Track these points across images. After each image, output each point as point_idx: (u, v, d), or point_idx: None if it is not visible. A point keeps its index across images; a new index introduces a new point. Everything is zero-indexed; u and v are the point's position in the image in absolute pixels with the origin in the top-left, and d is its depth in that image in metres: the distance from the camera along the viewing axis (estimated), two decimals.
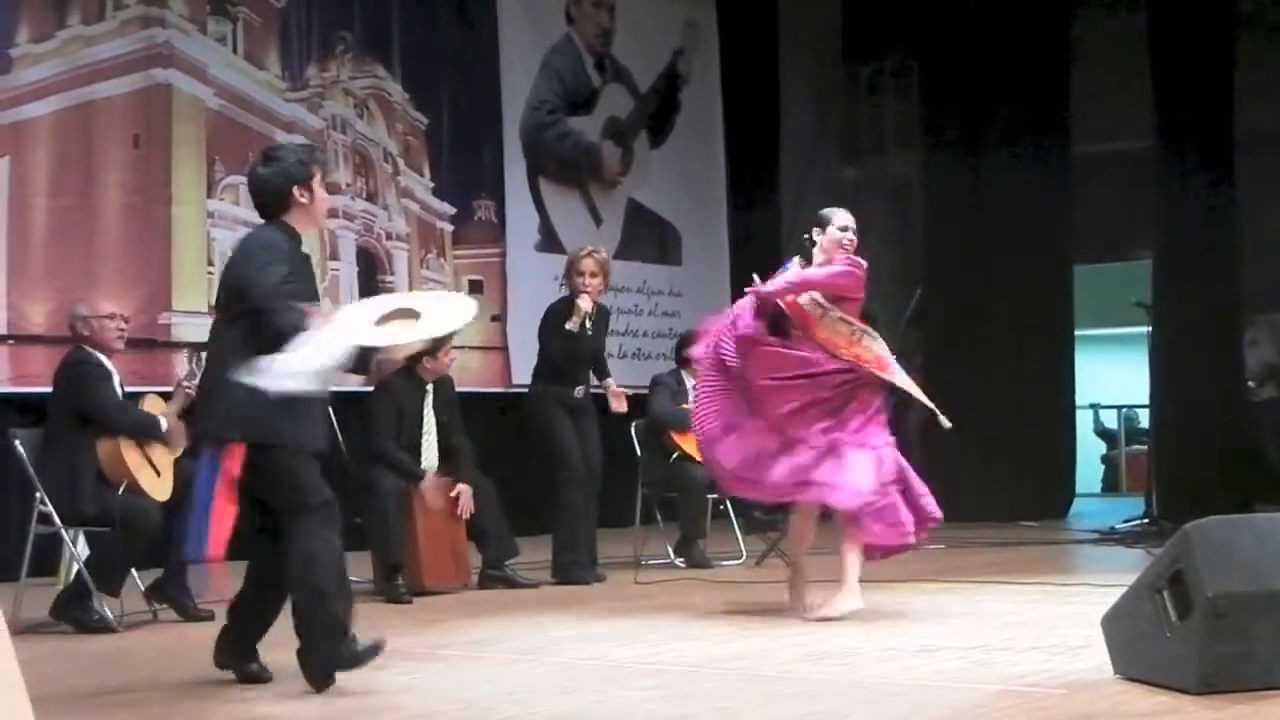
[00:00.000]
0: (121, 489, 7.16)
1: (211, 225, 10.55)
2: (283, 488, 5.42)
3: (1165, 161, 12.77)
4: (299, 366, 5.13)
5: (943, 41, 13.85)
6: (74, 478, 7.11)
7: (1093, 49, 13.92)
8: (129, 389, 7.60)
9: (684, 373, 10.03)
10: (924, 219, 14.35)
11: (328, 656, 5.33)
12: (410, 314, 5.45)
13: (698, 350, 7.49)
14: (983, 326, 13.29)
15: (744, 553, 9.90)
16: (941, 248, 13.93)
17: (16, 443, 7.23)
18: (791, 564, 7.57)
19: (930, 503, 7.12)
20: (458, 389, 9.11)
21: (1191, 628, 4.76)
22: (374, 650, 5.40)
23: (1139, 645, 5.04)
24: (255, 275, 5.36)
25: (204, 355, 5.79)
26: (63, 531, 7.21)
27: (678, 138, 14.22)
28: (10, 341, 9.45)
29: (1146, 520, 11.70)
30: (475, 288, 12.39)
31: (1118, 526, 11.71)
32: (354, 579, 8.51)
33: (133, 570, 7.36)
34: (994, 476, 13.01)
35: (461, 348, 10.73)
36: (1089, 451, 17.27)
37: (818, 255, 7.41)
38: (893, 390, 7.25)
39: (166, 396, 7.56)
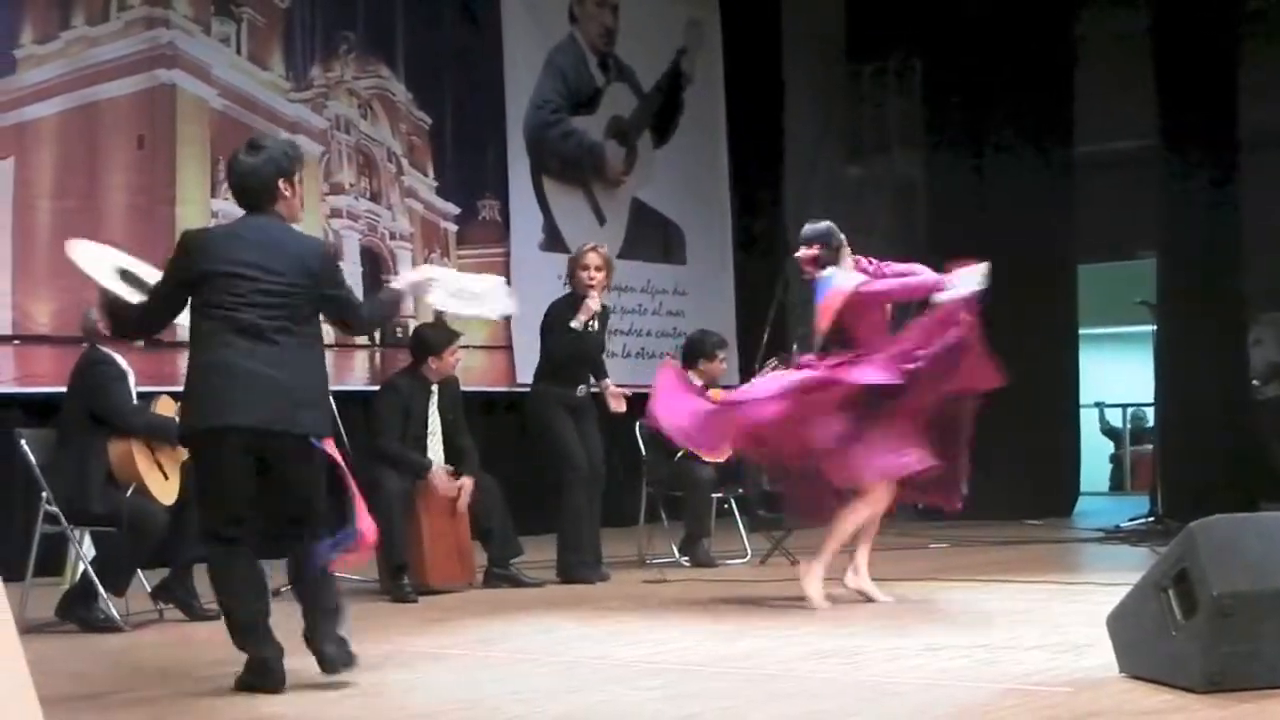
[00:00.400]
0: (130, 491, 7.17)
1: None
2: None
3: (1169, 161, 12.76)
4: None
5: (946, 41, 13.84)
6: (84, 477, 7.11)
7: (1096, 48, 13.91)
8: (138, 389, 7.60)
9: (691, 373, 10.03)
10: (927, 218, 14.34)
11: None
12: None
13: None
14: (987, 326, 13.24)
15: (749, 551, 9.90)
16: (945, 247, 13.79)
17: (22, 442, 7.24)
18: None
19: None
20: (463, 388, 9.11)
21: (1197, 626, 4.76)
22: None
23: (1144, 644, 5.04)
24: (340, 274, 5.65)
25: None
26: (69, 531, 7.22)
27: (681, 137, 14.22)
28: (16, 341, 9.46)
29: (1151, 519, 11.70)
30: None
31: (1123, 525, 11.71)
32: (360, 578, 8.57)
33: (139, 570, 7.37)
34: (999, 475, 12.96)
35: (466, 347, 10.72)
36: (1094, 450, 17.26)
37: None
38: None
39: (177, 396, 7.54)
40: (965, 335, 7.39)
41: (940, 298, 7.39)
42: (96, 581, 7.07)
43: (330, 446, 5.53)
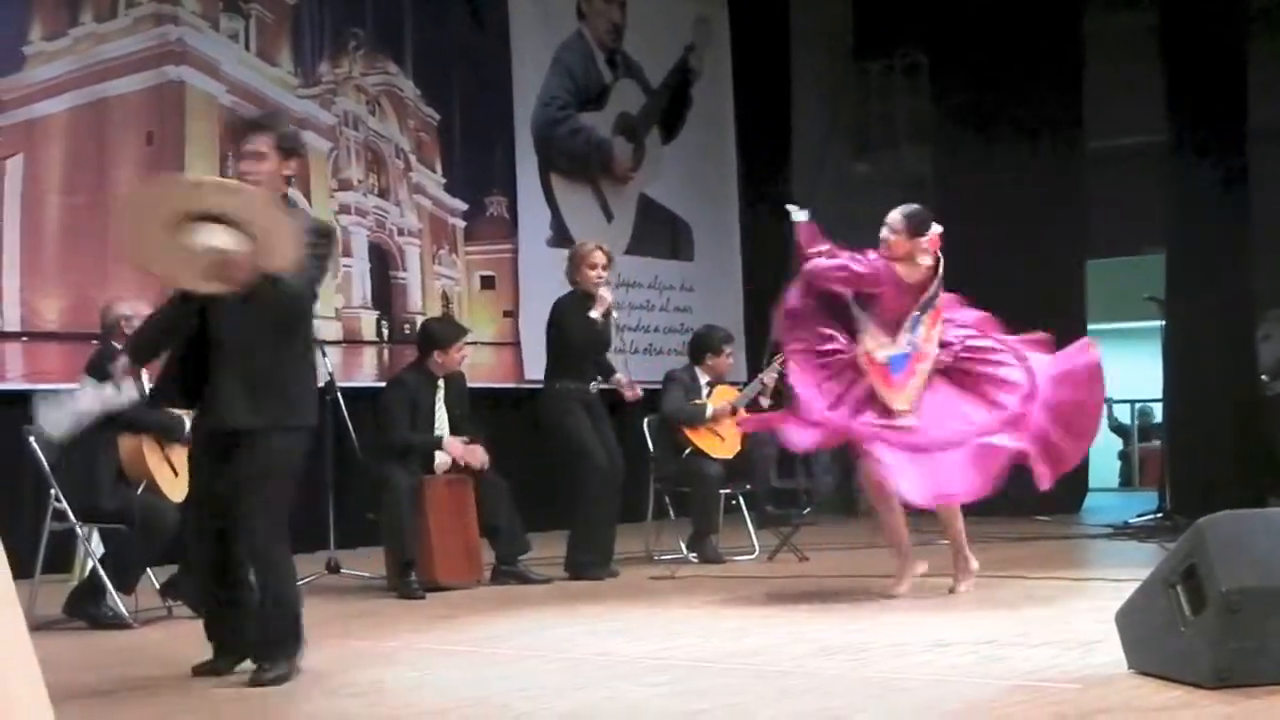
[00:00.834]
0: (140, 488, 7.18)
1: None
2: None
3: (1178, 156, 12.74)
4: None
5: (954, 37, 13.83)
6: (94, 474, 7.12)
7: (1105, 44, 13.88)
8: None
9: (698, 369, 10.04)
10: (935, 214, 14.30)
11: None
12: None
13: None
14: (995, 320, 13.24)
15: (756, 548, 9.90)
16: (953, 244, 13.86)
17: (31, 439, 7.25)
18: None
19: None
20: (471, 384, 9.12)
21: (1205, 622, 4.76)
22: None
23: (1153, 640, 5.03)
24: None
25: None
26: (78, 528, 7.23)
27: (689, 133, 14.23)
28: (24, 338, 9.47)
29: (1160, 515, 11.69)
30: (487, 283, 12.42)
31: (1131, 521, 11.70)
32: (367, 575, 8.59)
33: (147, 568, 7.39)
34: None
35: (474, 343, 10.75)
36: (1102, 447, 17.23)
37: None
38: None
39: None
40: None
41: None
42: (105, 579, 7.07)
43: None
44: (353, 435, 8.98)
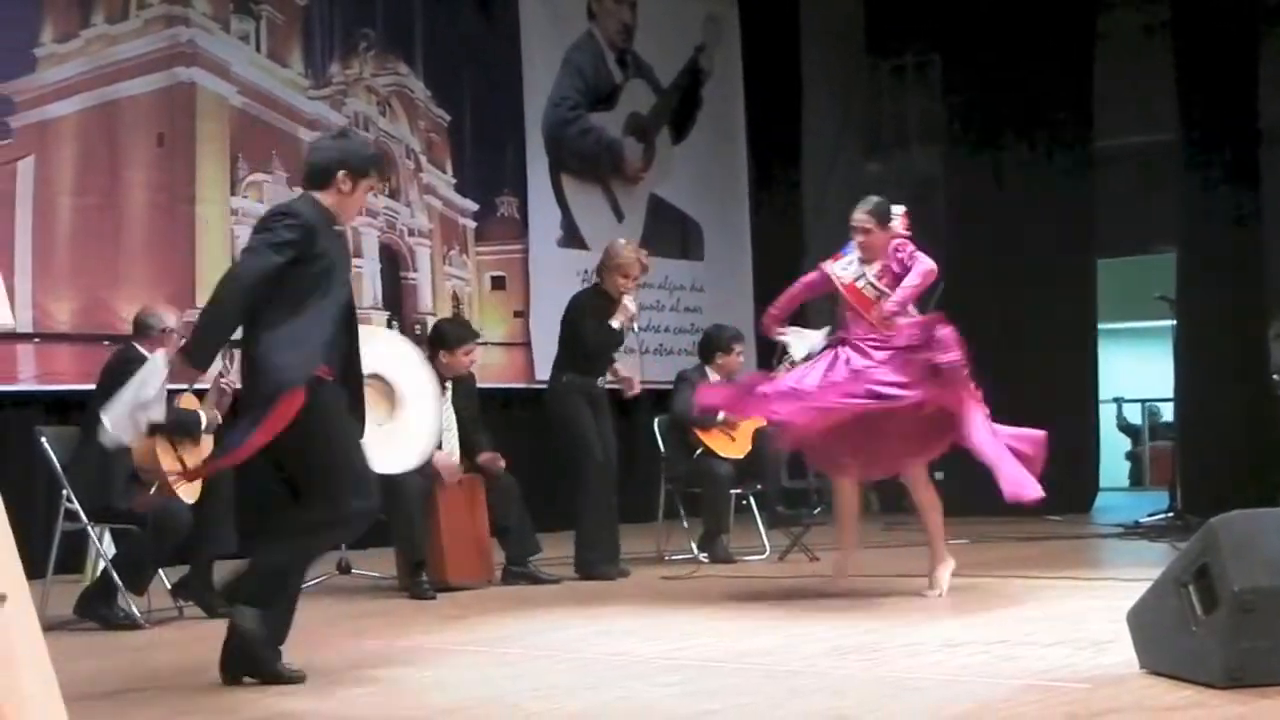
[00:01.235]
0: (153, 489, 7.19)
1: (235, 223, 10.59)
2: None
3: (1189, 155, 12.73)
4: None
5: (965, 36, 13.82)
6: (107, 473, 7.13)
7: (1116, 42, 13.87)
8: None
9: (708, 368, 10.04)
10: (946, 213, 14.31)
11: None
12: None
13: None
14: (1005, 321, 13.24)
15: (767, 548, 9.90)
16: (964, 242, 13.89)
17: (43, 439, 7.26)
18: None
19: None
20: (481, 384, 9.12)
21: (1217, 622, 4.75)
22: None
23: (1164, 640, 5.03)
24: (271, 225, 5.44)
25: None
26: (89, 529, 7.23)
27: (699, 133, 14.23)
28: (36, 340, 9.48)
29: (1171, 514, 11.68)
30: (498, 284, 12.42)
31: (1142, 521, 11.69)
32: (378, 575, 8.59)
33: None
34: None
35: (484, 344, 10.76)
36: (1112, 446, 17.23)
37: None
38: None
39: (200, 394, 7.58)
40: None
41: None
42: (117, 579, 7.08)
43: None
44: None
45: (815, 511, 10.66)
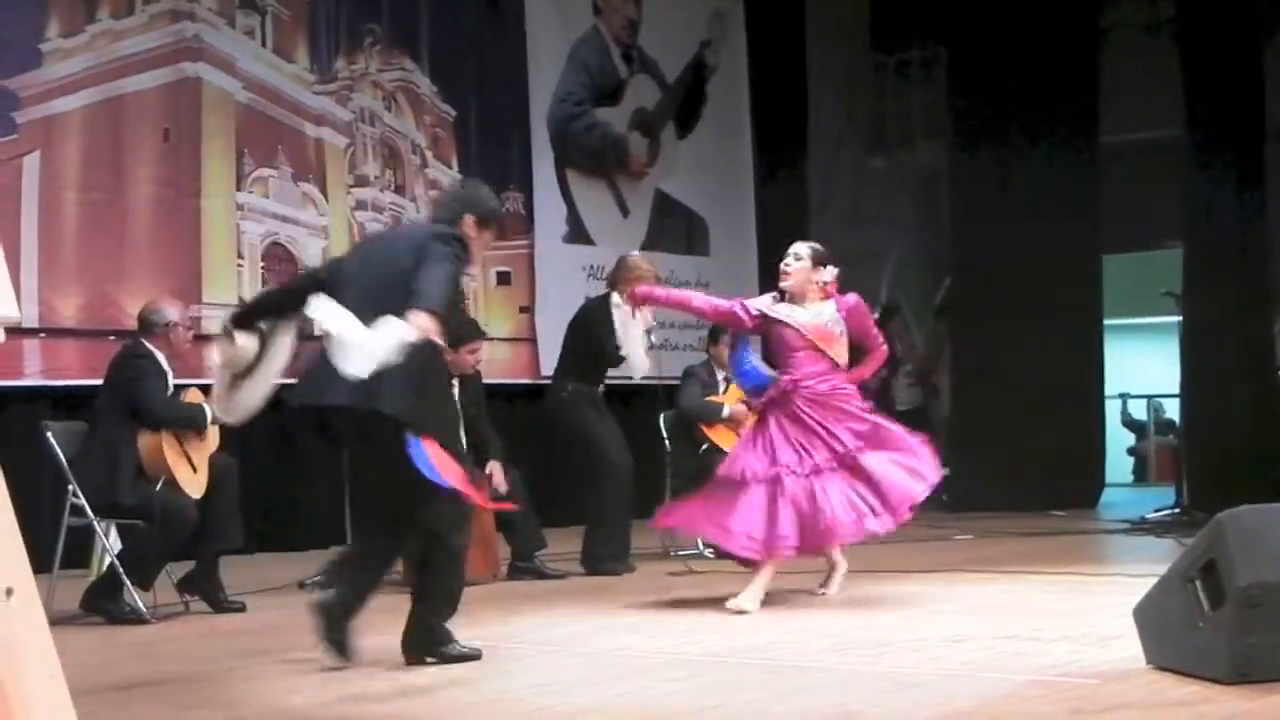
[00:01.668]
0: (159, 484, 7.19)
1: (241, 218, 10.60)
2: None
3: (1194, 151, 12.71)
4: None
5: (970, 32, 13.81)
6: (114, 469, 7.13)
7: (1121, 38, 13.87)
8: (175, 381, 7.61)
9: (715, 364, 10.04)
10: (951, 209, 14.33)
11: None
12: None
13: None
14: (1011, 317, 13.25)
15: None
16: (969, 238, 13.90)
17: (49, 435, 7.26)
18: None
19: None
20: (486, 380, 9.12)
21: (1224, 617, 4.74)
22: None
23: (1171, 635, 5.02)
24: (436, 240, 5.56)
25: None
26: (95, 523, 7.24)
27: (705, 128, 14.22)
28: (42, 335, 9.49)
29: (1177, 510, 11.68)
30: (503, 279, 12.42)
31: (1148, 516, 11.68)
32: None
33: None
34: (1024, 466, 12.99)
35: (490, 339, 10.75)
36: (1115, 442, 17.22)
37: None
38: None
39: (205, 389, 7.58)
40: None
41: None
42: (122, 574, 7.09)
43: None
44: None
45: None
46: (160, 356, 7.34)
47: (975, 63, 13.79)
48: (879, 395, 14.07)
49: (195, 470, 7.30)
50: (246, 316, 6.00)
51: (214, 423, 7.40)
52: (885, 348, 7.72)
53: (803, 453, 7.16)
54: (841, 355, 7.37)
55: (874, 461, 7.15)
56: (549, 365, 11.02)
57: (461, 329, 8.97)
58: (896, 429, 7.38)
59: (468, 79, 12.25)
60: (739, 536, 7.14)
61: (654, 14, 13.79)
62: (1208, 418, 12.38)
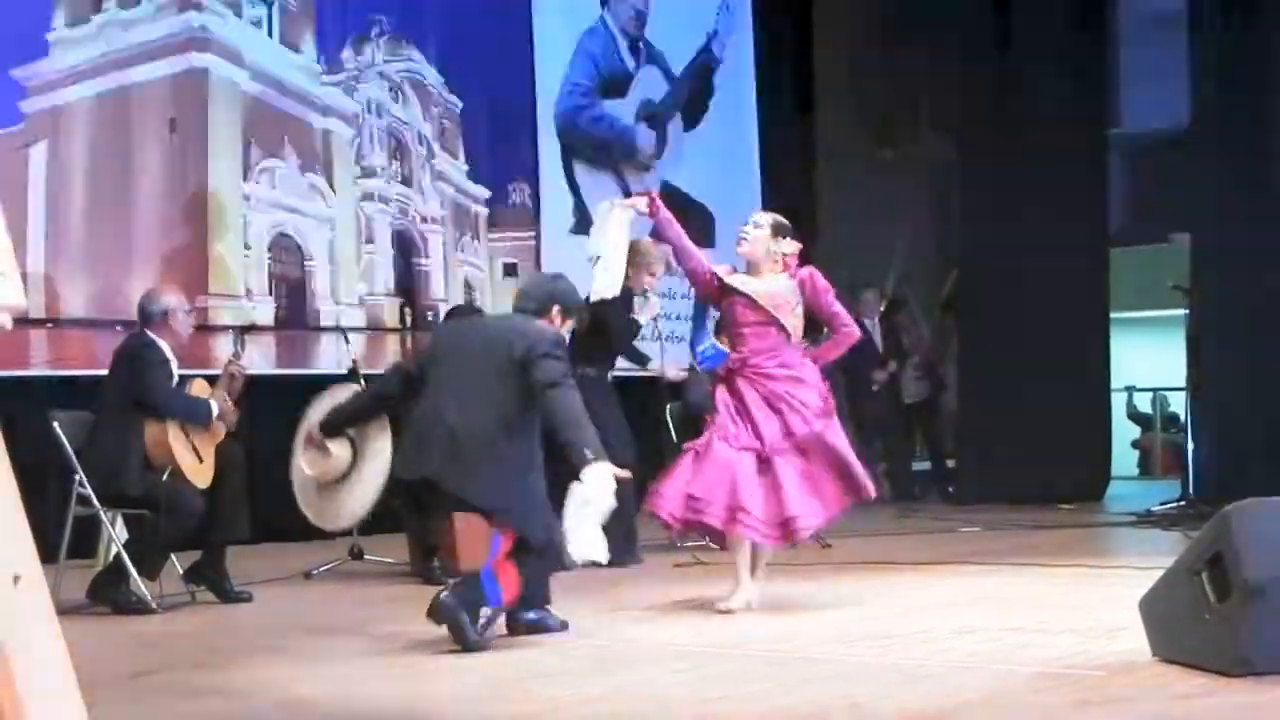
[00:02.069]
0: (165, 474, 7.20)
1: (247, 209, 10.60)
2: None
3: (1203, 142, 12.69)
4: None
5: (980, 21, 13.79)
6: (120, 459, 7.13)
7: (1132, 30, 13.84)
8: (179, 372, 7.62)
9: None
10: (960, 200, 14.31)
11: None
12: None
13: None
14: (1018, 309, 13.24)
15: None
16: (977, 229, 13.89)
17: (56, 424, 7.27)
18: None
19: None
20: None
21: (1230, 610, 4.74)
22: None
23: (1177, 627, 5.02)
24: (553, 347, 5.97)
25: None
26: (101, 513, 7.24)
27: (712, 121, 14.20)
28: (49, 325, 9.50)
29: (1183, 503, 11.67)
30: (510, 271, 12.42)
31: (1154, 509, 11.67)
32: (391, 561, 8.59)
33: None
34: (1029, 459, 12.99)
35: None
36: (1120, 435, 17.20)
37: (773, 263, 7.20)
38: None
39: (211, 380, 7.59)
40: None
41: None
42: (129, 564, 7.09)
43: None
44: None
45: None
46: (164, 346, 7.34)
47: (984, 53, 13.76)
48: (888, 388, 14.07)
49: (201, 460, 7.30)
50: (337, 424, 6.28)
51: (219, 418, 7.39)
52: (853, 330, 7.16)
53: (737, 428, 6.91)
54: (795, 326, 7.03)
55: (786, 470, 6.77)
56: None
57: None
58: (836, 442, 6.85)
59: (474, 70, 12.24)
60: (669, 500, 6.92)
61: (661, 6, 13.77)
62: (1214, 411, 12.37)
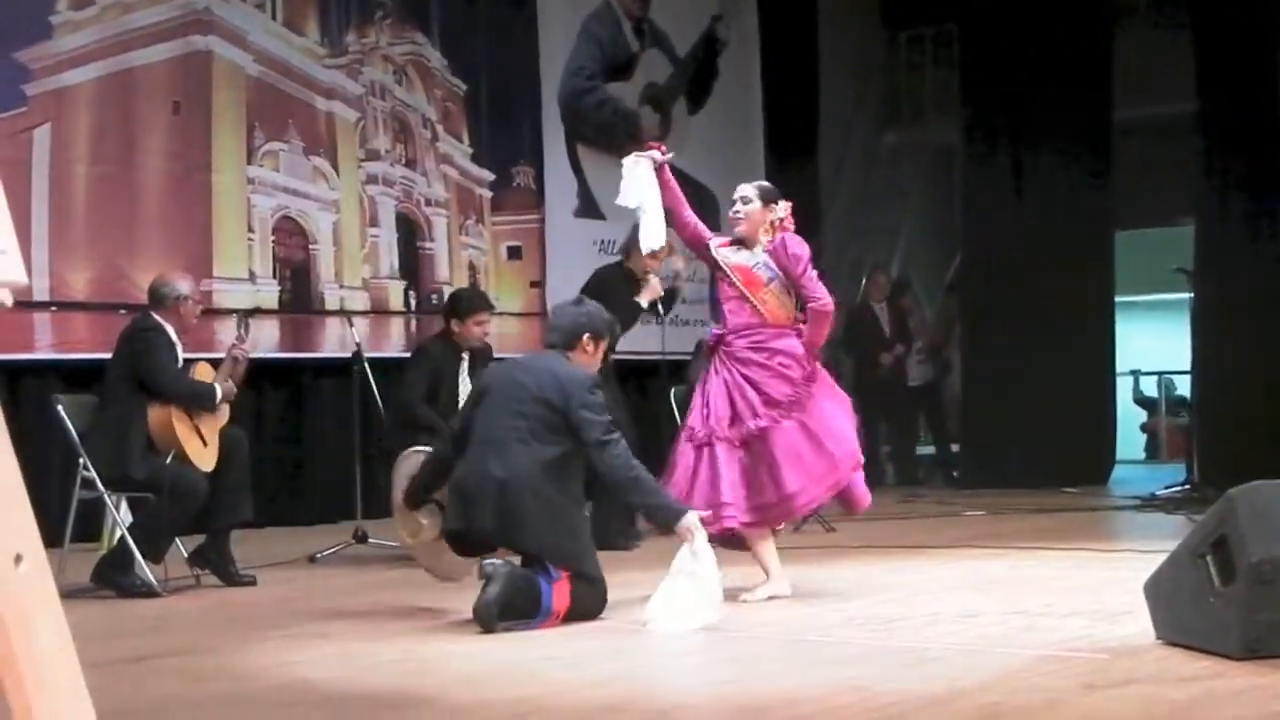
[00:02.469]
0: (169, 458, 7.20)
1: (251, 191, 10.58)
2: None
3: (1208, 126, 12.68)
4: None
5: (983, 7, 13.76)
6: (124, 442, 7.13)
7: (1135, 12, 13.81)
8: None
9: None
10: (964, 185, 14.29)
11: None
12: None
13: None
14: (1023, 293, 13.24)
15: None
16: (981, 214, 13.88)
17: (60, 408, 7.26)
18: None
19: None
20: (496, 354, 9.11)
21: (1235, 593, 4.73)
22: None
23: (1182, 610, 5.01)
24: (589, 393, 6.11)
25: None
26: (106, 497, 7.24)
27: (716, 103, 14.18)
28: (52, 308, 9.48)
29: (1188, 486, 11.67)
30: (514, 254, 12.41)
31: (1159, 493, 11.68)
32: (395, 544, 8.58)
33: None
34: (1035, 443, 13.00)
35: (500, 314, 10.75)
36: (1128, 419, 17.20)
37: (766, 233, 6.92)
38: None
39: (215, 363, 7.58)
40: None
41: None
42: (133, 547, 7.09)
43: None
44: (380, 405, 8.99)
45: None
46: (170, 330, 7.33)
47: (988, 39, 13.75)
48: (893, 372, 14.06)
49: (206, 444, 7.30)
50: (418, 494, 6.44)
51: (223, 401, 7.40)
52: (822, 303, 6.71)
53: (705, 414, 6.75)
54: (768, 302, 6.72)
55: (726, 459, 6.66)
56: None
57: (467, 299, 8.97)
58: (822, 414, 6.63)
59: (478, 53, 12.21)
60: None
61: None
62: (1219, 394, 12.37)
